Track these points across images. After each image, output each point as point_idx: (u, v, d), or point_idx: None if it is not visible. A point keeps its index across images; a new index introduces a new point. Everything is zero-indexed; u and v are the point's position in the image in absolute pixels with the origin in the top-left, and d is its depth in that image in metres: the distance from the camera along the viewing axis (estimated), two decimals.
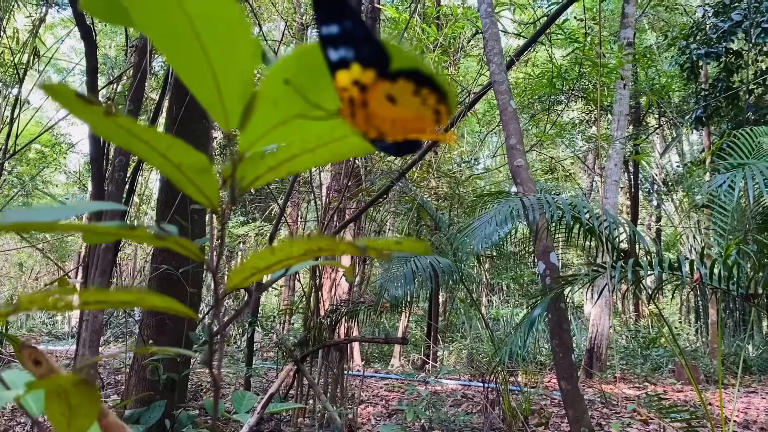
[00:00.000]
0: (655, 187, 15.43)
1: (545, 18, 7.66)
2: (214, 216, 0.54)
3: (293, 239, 0.54)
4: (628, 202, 13.54)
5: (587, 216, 3.01)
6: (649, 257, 3.11)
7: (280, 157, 0.48)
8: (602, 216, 3.18)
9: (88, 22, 4.09)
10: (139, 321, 4.69)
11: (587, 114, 12.37)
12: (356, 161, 6.96)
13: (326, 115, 0.41)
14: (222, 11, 0.36)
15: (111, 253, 3.45)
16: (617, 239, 3.54)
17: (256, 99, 0.42)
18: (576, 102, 11.52)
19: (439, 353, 10.39)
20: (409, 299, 4.95)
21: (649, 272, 2.75)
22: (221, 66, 0.40)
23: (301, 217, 13.24)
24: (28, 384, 0.53)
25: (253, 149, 0.45)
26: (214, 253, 0.56)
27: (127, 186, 4.62)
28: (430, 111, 0.39)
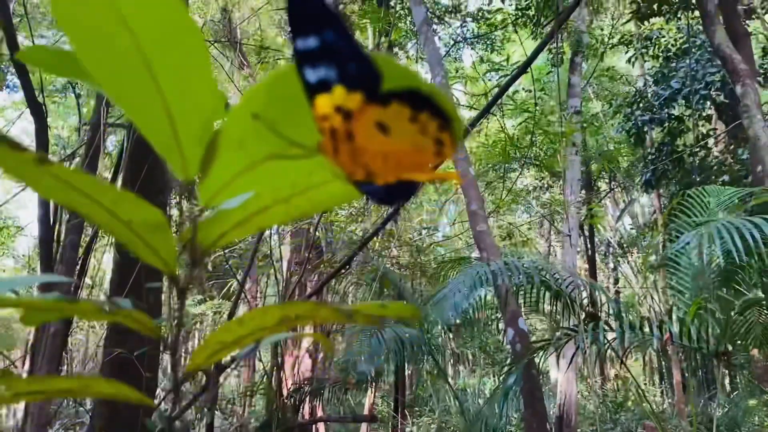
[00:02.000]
0: (611, 249, 15.73)
1: (496, 89, 7.90)
2: (171, 284, 0.46)
3: (265, 307, 0.47)
4: (586, 266, 13.71)
5: (556, 279, 2.98)
6: (618, 319, 3.09)
7: (248, 210, 0.41)
8: (569, 278, 3.15)
9: (39, 100, 4.00)
10: (90, 410, 4.39)
11: (540, 180, 12.65)
12: (317, 232, 6.88)
13: (304, 152, 0.34)
14: (177, 37, 0.30)
15: (60, 339, 3.24)
16: (584, 302, 3.52)
17: (219, 140, 0.35)
18: (529, 169, 11.79)
19: (407, 429, 10.04)
20: (375, 374, 4.78)
21: (624, 334, 2.71)
22: (177, 101, 0.33)
23: (260, 293, 12.95)
24: None
25: (216, 201, 0.38)
26: (172, 329, 0.48)
27: (78, 268, 4.41)
28: (430, 141, 0.31)
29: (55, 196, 0.38)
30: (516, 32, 8.75)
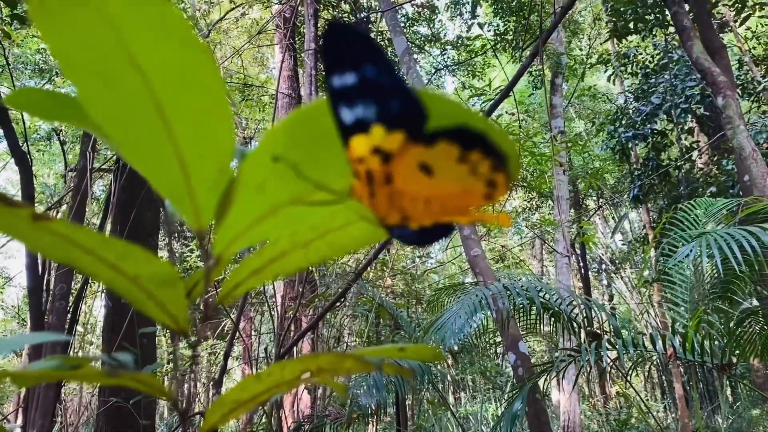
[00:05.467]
0: (603, 266, 15.75)
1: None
2: (176, 339, 0.42)
3: (284, 362, 0.43)
4: (580, 284, 13.70)
5: (555, 299, 2.95)
6: (620, 336, 3.05)
7: (265, 257, 0.38)
8: (568, 297, 3.13)
9: (23, 149, 3.96)
10: None
11: (529, 201, 12.70)
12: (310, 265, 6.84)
13: (334, 197, 0.31)
14: (193, 75, 0.27)
15: (53, 391, 3.15)
16: (583, 322, 3.48)
17: (236, 185, 0.32)
18: (517, 191, 11.84)
19: None
20: (377, 407, 4.69)
21: (627, 352, 2.68)
22: (190, 145, 0.30)
23: (255, 331, 12.81)
24: None
25: (232, 250, 0.35)
26: (173, 384, 0.45)
27: (69, 315, 4.33)
28: (481, 183, 0.28)
29: (53, 253, 0.35)
30: (496, 57, 8.85)
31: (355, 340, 8.56)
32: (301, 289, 7.06)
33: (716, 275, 3.58)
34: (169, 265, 0.36)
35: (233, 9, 8.13)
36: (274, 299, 8.77)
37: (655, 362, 3.64)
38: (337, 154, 0.29)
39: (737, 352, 3.26)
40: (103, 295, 4.30)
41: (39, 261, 3.77)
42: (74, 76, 0.26)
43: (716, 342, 3.05)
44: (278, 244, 0.38)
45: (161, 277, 0.37)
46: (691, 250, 2.65)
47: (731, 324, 3.38)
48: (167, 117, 0.28)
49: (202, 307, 0.41)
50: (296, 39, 8.15)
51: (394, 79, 0.27)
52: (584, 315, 3.37)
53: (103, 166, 5.44)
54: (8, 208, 0.31)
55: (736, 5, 7.41)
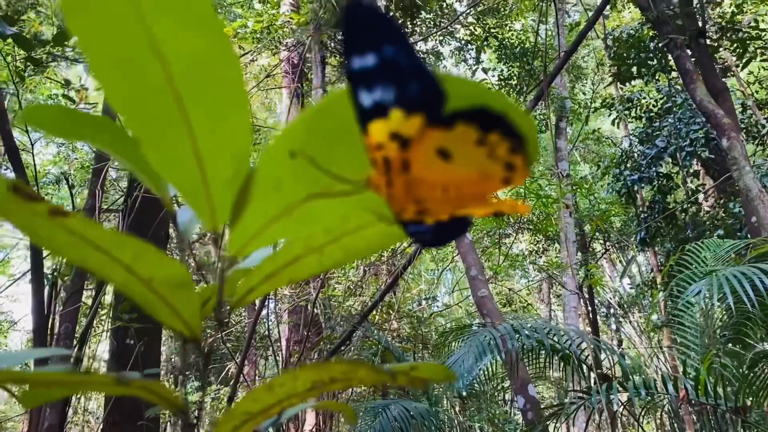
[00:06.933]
0: (612, 310, 15.58)
1: None
2: (186, 347, 0.42)
3: (296, 371, 0.43)
4: (589, 328, 13.52)
5: (565, 341, 2.91)
6: (631, 379, 3.00)
7: (279, 261, 0.37)
8: (578, 338, 3.08)
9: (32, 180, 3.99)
10: None
11: (535, 245, 12.66)
12: (315, 309, 6.78)
13: (351, 188, 0.30)
14: (214, 66, 0.27)
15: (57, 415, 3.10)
16: (594, 364, 3.42)
17: (253, 182, 0.32)
18: (523, 234, 11.82)
19: None
20: None
21: (639, 394, 2.62)
22: (208, 140, 0.30)
23: (259, 375, 12.64)
24: None
25: (247, 250, 0.35)
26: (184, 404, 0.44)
27: (73, 358, 4.29)
28: (500, 165, 0.28)
29: (68, 253, 0.35)
30: None
31: (362, 386, 8.43)
32: (306, 333, 7.00)
33: (727, 317, 3.53)
34: (182, 268, 0.36)
35: (243, 56, 8.31)
36: (278, 343, 8.69)
37: (666, 409, 3.56)
38: (354, 148, 0.29)
39: (751, 399, 3.19)
40: (108, 335, 4.27)
41: (44, 303, 3.76)
42: (98, 66, 0.27)
43: (729, 388, 2.98)
44: (292, 249, 0.38)
45: (175, 281, 0.36)
46: (701, 289, 2.61)
47: (744, 368, 3.31)
48: (185, 108, 0.28)
49: (215, 315, 0.40)
50: (303, 84, 8.29)
51: (413, 61, 0.27)
52: (594, 356, 3.31)
53: (111, 207, 5.48)
54: (26, 202, 0.31)
55: (737, 50, 7.52)
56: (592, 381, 3.31)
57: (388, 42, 0.26)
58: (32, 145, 4.24)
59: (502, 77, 9.16)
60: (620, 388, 3.06)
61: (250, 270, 0.38)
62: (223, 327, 0.36)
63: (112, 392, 0.43)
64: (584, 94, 10.74)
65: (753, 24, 7.63)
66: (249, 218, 0.33)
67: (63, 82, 3.59)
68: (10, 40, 2.99)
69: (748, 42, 7.53)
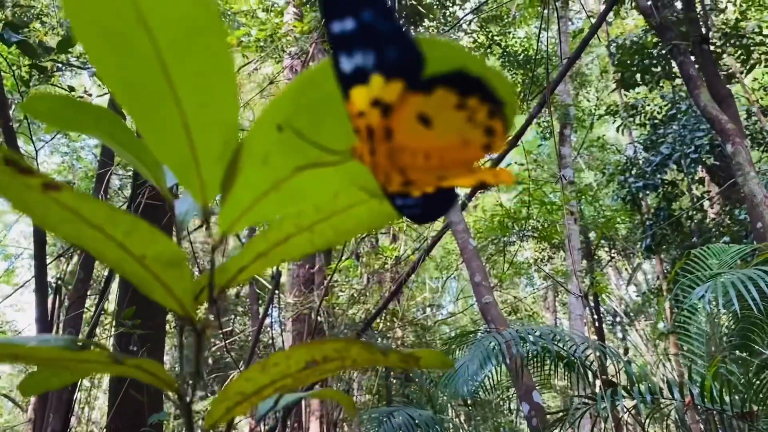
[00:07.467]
0: (617, 318, 15.51)
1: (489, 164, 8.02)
2: (182, 324, 0.42)
3: (289, 349, 0.43)
4: (594, 336, 13.46)
5: (570, 346, 2.90)
6: (636, 384, 2.98)
7: (270, 240, 0.38)
8: (583, 344, 3.07)
9: None
10: None
11: (540, 252, 12.63)
12: (318, 317, 6.78)
13: (337, 158, 0.31)
14: (200, 36, 0.27)
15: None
16: (598, 370, 3.40)
17: (242, 156, 0.32)
18: (528, 241, 11.79)
19: None
20: None
21: (645, 400, 2.60)
22: (196, 113, 0.30)
23: None
24: None
25: (237, 227, 0.35)
26: (186, 380, 0.44)
27: None
28: (479, 131, 0.28)
29: (63, 230, 0.35)
30: None
31: (366, 395, 8.39)
32: (309, 341, 6.99)
33: (733, 324, 3.51)
34: (174, 245, 0.36)
35: (246, 64, 8.35)
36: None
37: (672, 415, 3.54)
38: (341, 119, 0.30)
39: (757, 405, 3.16)
40: (111, 342, 4.28)
41: (48, 312, 3.77)
42: (85, 37, 0.27)
43: (735, 395, 2.96)
44: (283, 227, 0.38)
45: (167, 258, 0.37)
46: (705, 292, 2.60)
47: (750, 374, 3.29)
48: (173, 81, 0.29)
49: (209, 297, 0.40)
50: None
51: (392, 25, 0.27)
52: (599, 363, 3.30)
53: None
54: (20, 175, 0.31)
55: (741, 56, 7.52)
56: (597, 387, 3.29)
57: (366, 5, 0.26)
58: (36, 153, 4.27)
59: None
60: (625, 395, 3.05)
61: (241, 249, 0.38)
62: (215, 306, 0.36)
63: (108, 371, 0.43)
64: (588, 101, 10.74)
65: (757, 30, 7.63)
66: (238, 193, 0.34)
67: (67, 89, 3.62)
68: (15, 48, 3.02)
69: (752, 48, 7.53)
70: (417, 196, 0.32)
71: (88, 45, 0.28)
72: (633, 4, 7.50)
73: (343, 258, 7.02)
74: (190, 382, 0.41)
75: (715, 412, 2.95)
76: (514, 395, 4.28)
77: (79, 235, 0.35)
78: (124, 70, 0.29)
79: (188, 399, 0.42)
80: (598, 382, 3.34)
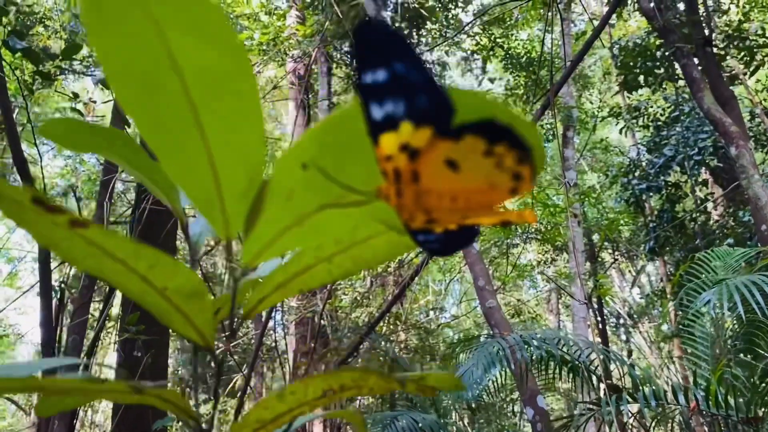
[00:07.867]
0: (621, 320, 15.49)
1: None
2: (197, 352, 0.42)
3: (307, 378, 0.43)
4: (598, 339, 13.44)
5: (574, 351, 2.89)
6: (641, 389, 2.98)
7: (290, 271, 0.38)
8: (588, 349, 3.07)
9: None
10: None
11: (544, 255, 12.63)
12: (322, 320, 6.77)
13: (362, 199, 0.31)
14: (229, 79, 0.28)
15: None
16: (603, 374, 3.40)
17: (267, 193, 0.32)
18: (531, 244, 11.79)
19: None
20: None
21: (649, 404, 2.60)
22: (223, 152, 0.30)
23: (266, 388, 12.62)
24: None
25: (260, 260, 0.35)
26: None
27: (81, 369, 4.30)
28: (506, 176, 0.28)
29: (86, 263, 0.35)
30: None
31: (369, 399, 8.39)
32: (313, 344, 6.99)
33: (738, 327, 3.50)
34: (196, 277, 0.37)
35: None
36: (285, 355, 8.68)
37: (677, 420, 3.53)
38: (364, 160, 0.30)
39: (763, 409, 3.16)
40: (116, 347, 4.28)
41: (52, 316, 3.78)
42: (116, 79, 0.27)
43: (740, 399, 2.96)
44: (303, 259, 0.38)
45: (188, 290, 0.37)
46: (710, 298, 2.60)
47: (755, 378, 3.28)
48: (201, 120, 0.29)
49: (227, 324, 0.41)
50: (310, 95, 8.33)
51: (423, 75, 0.28)
52: (604, 367, 3.29)
53: (118, 219, 5.51)
54: (48, 213, 0.31)
55: (745, 58, 7.51)
56: (602, 392, 3.29)
57: (398, 58, 0.27)
58: (41, 157, 4.28)
59: (508, 87, 9.18)
60: (630, 399, 3.04)
61: (260, 280, 0.38)
62: (234, 336, 0.36)
63: (127, 401, 0.43)
64: (591, 103, 10.74)
65: (760, 32, 7.62)
66: (262, 228, 0.34)
67: (71, 95, 3.62)
68: (19, 54, 3.02)
69: (755, 50, 7.52)
70: (439, 232, 0.32)
71: (118, 84, 0.28)
72: (636, 6, 7.50)
73: None
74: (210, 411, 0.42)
75: (720, 418, 2.94)
76: (518, 398, 4.27)
77: (102, 267, 0.36)
78: (153, 109, 0.29)
79: (206, 427, 0.42)
80: (602, 386, 3.34)
